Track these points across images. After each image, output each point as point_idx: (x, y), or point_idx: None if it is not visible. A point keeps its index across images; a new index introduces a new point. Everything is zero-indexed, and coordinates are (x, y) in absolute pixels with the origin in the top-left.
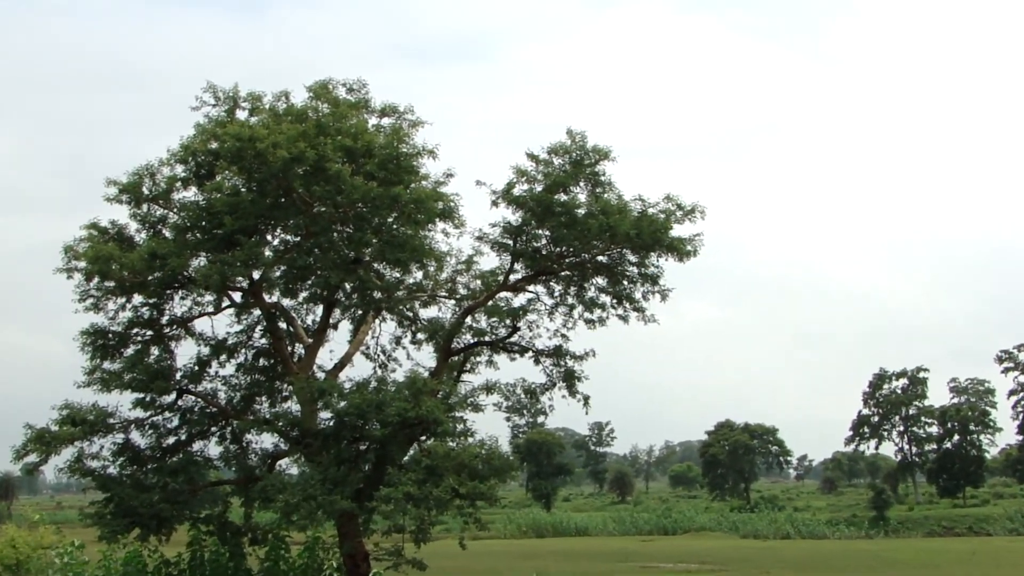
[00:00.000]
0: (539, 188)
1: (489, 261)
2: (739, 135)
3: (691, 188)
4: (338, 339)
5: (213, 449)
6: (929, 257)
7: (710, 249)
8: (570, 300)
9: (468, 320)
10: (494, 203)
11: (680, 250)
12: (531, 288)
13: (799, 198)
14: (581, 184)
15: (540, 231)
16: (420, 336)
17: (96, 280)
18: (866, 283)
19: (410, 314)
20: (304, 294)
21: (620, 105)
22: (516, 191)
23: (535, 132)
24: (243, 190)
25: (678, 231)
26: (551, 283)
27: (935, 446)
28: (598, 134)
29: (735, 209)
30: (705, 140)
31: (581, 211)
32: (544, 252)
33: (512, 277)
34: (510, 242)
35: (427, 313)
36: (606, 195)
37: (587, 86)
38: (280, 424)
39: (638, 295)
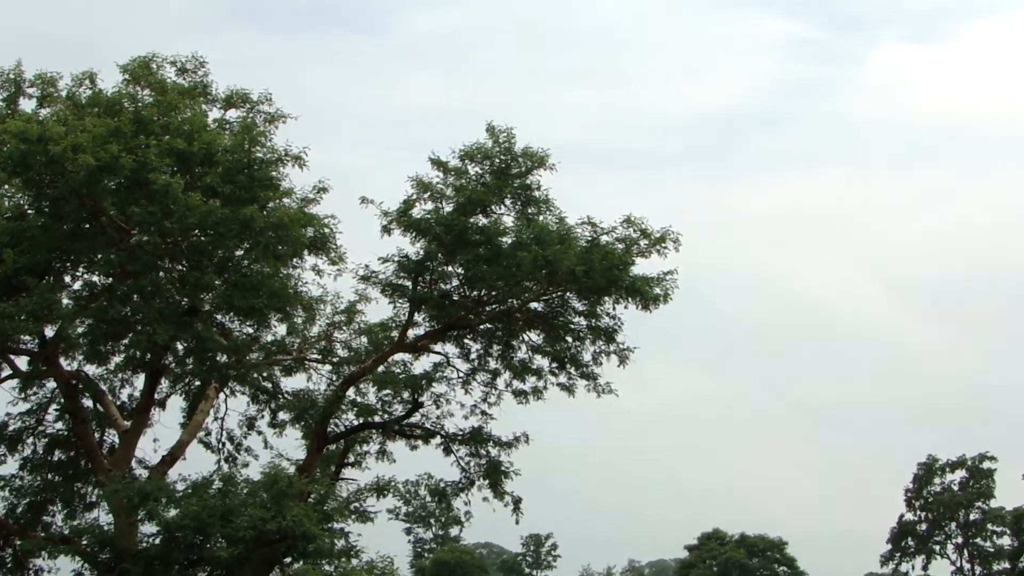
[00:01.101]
0: (448, 208)
1: (379, 310)
2: (727, 133)
3: (660, 207)
4: (167, 421)
5: None
6: (992, 300)
7: (688, 292)
8: (493, 364)
9: (350, 393)
10: (386, 229)
11: (646, 294)
12: (438, 348)
13: (804, 216)
14: (507, 202)
15: (450, 268)
16: (283, 416)
17: None
18: (905, 336)
19: (268, 385)
20: (118, 358)
21: (563, 92)
22: (416, 212)
23: (444, 130)
24: (30, 212)
25: (642, 267)
26: (466, 340)
27: (1007, 564)
28: (531, 132)
29: (718, 236)
30: (682, 140)
31: (507, 240)
32: (456, 297)
33: (412, 332)
34: (408, 283)
35: (293, 383)
36: (542, 217)
37: (516, 65)
38: (84, 543)
39: (587, 356)
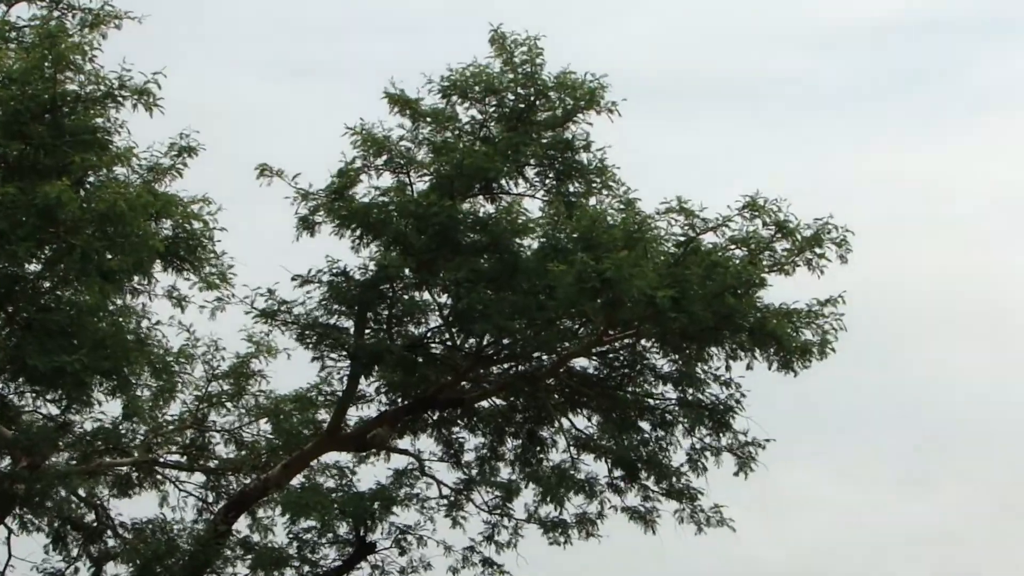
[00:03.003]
0: (422, 184)
1: (294, 372)
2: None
3: (805, 171)
4: None
5: None
6: None
7: (868, 336)
8: (504, 471)
9: (240, 526)
10: (306, 224)
11: (786, 342)
12: (404, 443)
13: None
14: (530, 173)
15: (426, 294)
16: (117, 572)
17: None
18: None
19: (88, 514)
20: None
21: None
22: (362, 193)
23: (414, 43)
24: None
25: (779, 290)
26: (455, 429)
27: None
28: (568, 49)
29: (918, 231)
30: (835, 55)
31: (530, 242)
32: (436, 349)
33: (355, 414)
34: (348, 323)
35: (134, 509)
36: (593, 200)
37: None
38: None
39: (678, 457)
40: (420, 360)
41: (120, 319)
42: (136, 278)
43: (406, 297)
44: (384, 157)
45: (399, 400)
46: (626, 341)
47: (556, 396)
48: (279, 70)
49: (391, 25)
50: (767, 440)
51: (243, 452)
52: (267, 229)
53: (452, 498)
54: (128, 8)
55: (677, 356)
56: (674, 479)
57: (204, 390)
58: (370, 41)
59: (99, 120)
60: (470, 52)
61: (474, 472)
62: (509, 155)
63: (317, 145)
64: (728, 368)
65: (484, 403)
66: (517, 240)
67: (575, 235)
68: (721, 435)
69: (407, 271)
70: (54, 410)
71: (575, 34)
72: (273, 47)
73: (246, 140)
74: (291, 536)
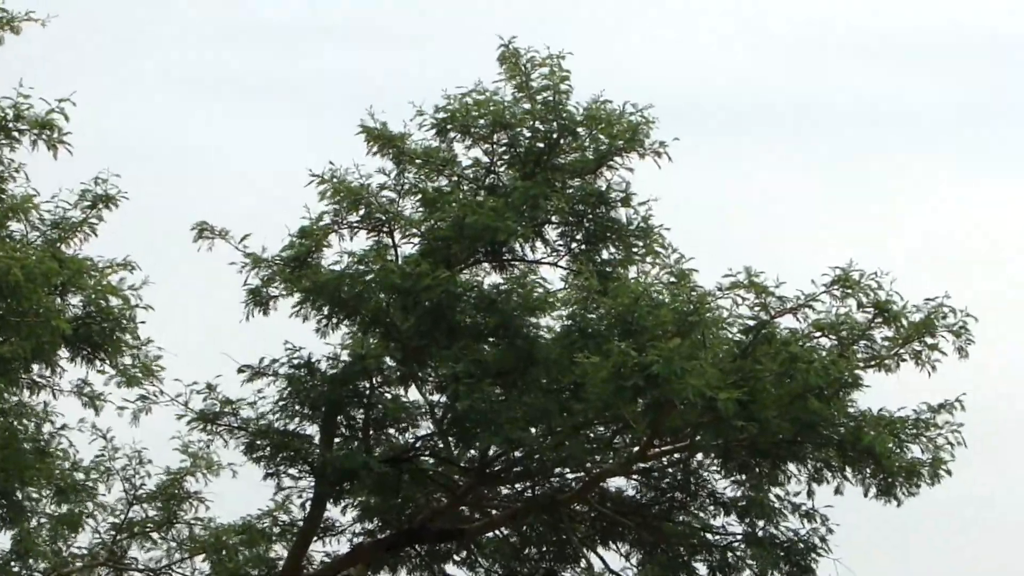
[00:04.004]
0: (411, 247)
1: (241, 491)
2: None
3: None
4: None
5: None
6: None
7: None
8: None
9: None
10: (256, 299)
11: (908, 469)
12: None
13: None
14: (553, 233)
15: (412, 391)
16: None
17: None
18: None
19: None
20: None
21: None
22: (329, 259)
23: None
24: None
25: (905, 397)
26: (453, 563)
27: None
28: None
29: None
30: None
31: (551, 322)
32: (430, 460)
33: (321, 548)
34: (312, 429)
35: None
36: (634, 270)
37: None
38: None
39: None
40: (406, 478)
41: (14, 422)
42: (36, 368)
43: (388, 396)
44: (361, 212)
45: (378, 530)
46: (677, 456)
47: (584, 526)
48: (222, 89)
49: (370, 34)
50: None
51: None
52: (207, 306)
53: None
54: (36, 9)
55: (743, 477)
56: None
57: (123, 516)
58: (342, 54)
59: None
60: (472, 73)
61: None
62: (524, 210)
63: (272, 194)
64: (811, 494)
65: (489, 534)
66: (534, 322)
67: (611, 316)
68: None
69: (390, 362)
70: None
71: (585, 48)
72: (212, 59)
73: (178, 186)
74: None
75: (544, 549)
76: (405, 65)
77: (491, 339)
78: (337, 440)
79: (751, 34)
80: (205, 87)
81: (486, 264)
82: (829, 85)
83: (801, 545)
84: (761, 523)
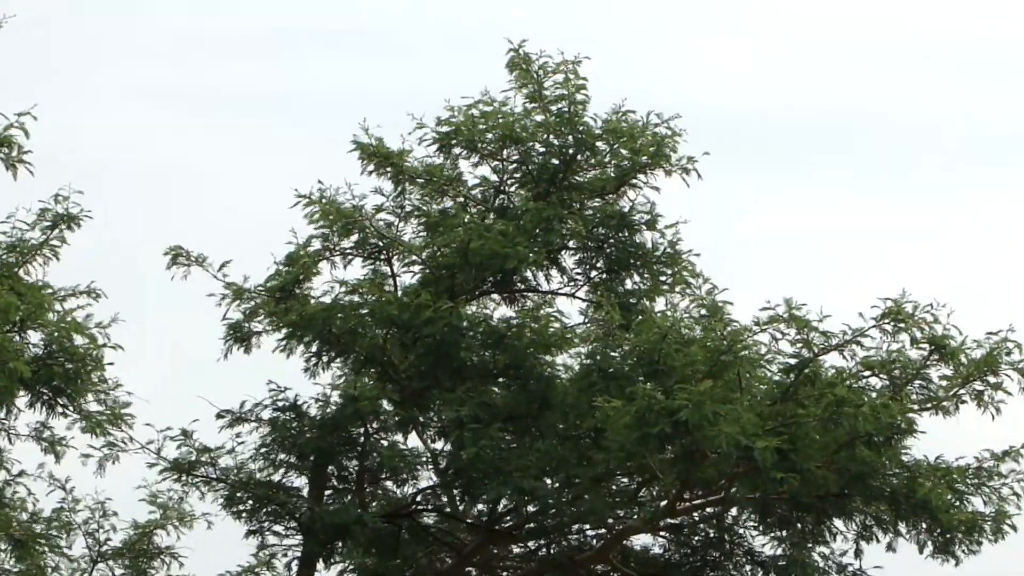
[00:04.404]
0: (411, 276)
1: (218, 550)
2: None
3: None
4: None
5: None
6: None
7: None
8: None
9: None
10: (236, 336)
11: (969, 524)
12: None
13: None
14: (570, 260)
15: (419, 435)
16: None
17: None
18: None
19: None
20: None
21: None
22: (321, 285)
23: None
24: None
25: (965, 443)
26: None
27: None
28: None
29: None
30: None
31: (569, 364)
32: (437, 514)
33: None
34: (300, 480)
35: None
36: (661, 303)
37: None
38: None
39: None
40: (405, 535)
41: None
42: None
43: (385, 443)
44: (354, 236)
45: None
46: (709, 511)
47: None
48: (199, 104)
49: (360, 41)
50: None
51: None
52: (181, 343)
53: None
54: None
55: (783, 533)
56: None
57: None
58: (329, 63)
59: None
60: (478, 81)
61: None
62: (537, 234)
63: (255, 218)
64: (859, 553)
65: None
66: (549, 360)
67: (635, 354)
68: None
69: (387, 405)
70: None
71: (602, 53)
72: (185, 66)
73: (150, 208)
74: None
75: None
76: (401, 74)
77: (501, 379)
78: (327, 493)
79: (785, 42)
80: (180, 101)
81: (495, 295)
82: (873, 98)
83: None
84: None
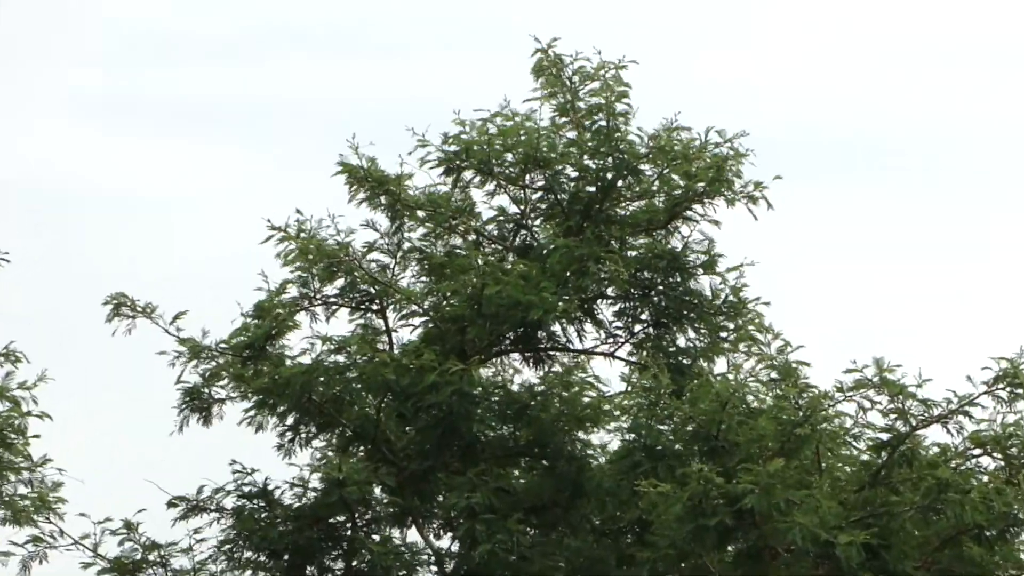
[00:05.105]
0: (408, 333)
1: None
2: None
3: None
4: None
5: None
6: None
7: None
8: None
9: None
10: (193, 404)
11: None
12: None
13: None
14: (608, 311)
15: (419, 529)
16: None
17: None
18: None
19: None
20: None
21: None
22: (298, 342)
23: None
24: None
25: None
26: None
27: None
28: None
29: None
30: None
31: (612, 440)
32: None
33: None
34: None
35: None
36: (734, 361)
37: None
38: None
39: None
40: None
41: None
42: None
43: (376, 538)
44: (340, 282)
45: None
46: None
47: None
48: (138, 110)
49: (348, 43)
50: None
51: None
52: (125, 412)
53: None
54: None
55: None
56: None
57: None
58: (311, 63)
59: None
60: (496, 89)
61: None
62: (568, 279)
63: (217, 256)
64: None
65: None
66: (582, 437)
67: (689, 428)
68: None
69: (379, 491)
70: None
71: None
72: (126, 68)
73: (85, 243)
74: None
75: None
76: (398, 79)
77: (522, 460)
78: None
79: (862, 46)
80: (120, 112)
81: (515, 355)
82: (966, 110)
83: None
84: None
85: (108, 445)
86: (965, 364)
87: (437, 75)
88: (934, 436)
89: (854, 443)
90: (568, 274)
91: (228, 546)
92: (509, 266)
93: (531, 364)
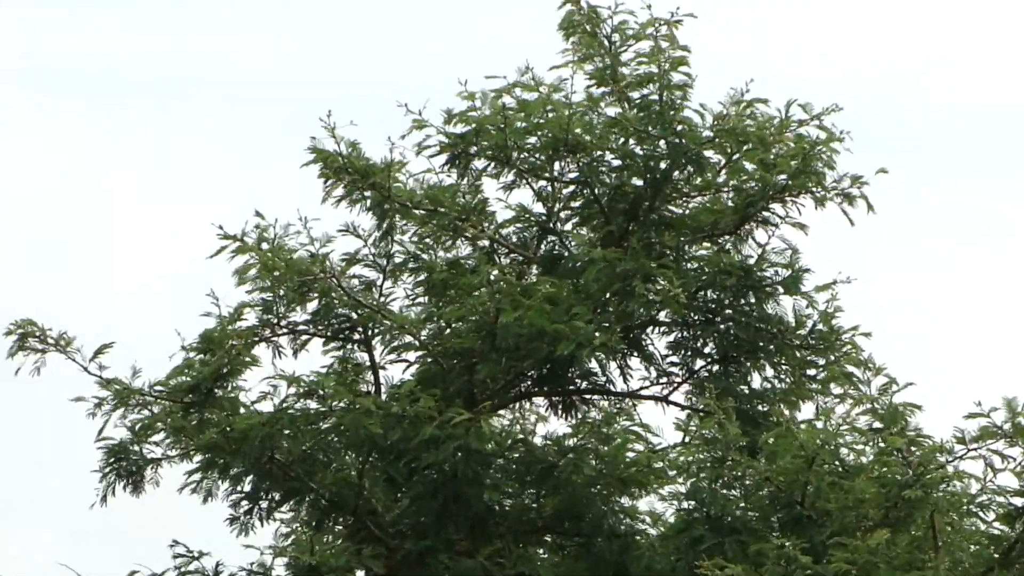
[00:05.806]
0: (401, 371)
1: None
2: None
3: None
4: None
5: None
6: None
7: None
8: None
9: None
10: (121, 471)
11: None
12: None
13: None
14: (661, 343)
15: None
16: None
17: None
18: None
19: None
20: None
21: None
22: (257, 383)
23: None
24: None
25: None
26: None
27: None
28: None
29: None
30: None
31: (666, 509)
32: None
33: None
34: None
35: None
36: (825, 407)
37: None
38: None
39: None
40: None
41: None
42: None
43: None
44: (312, 305)
45: None
46: None
47: None
48: (46, 80)
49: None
50: None
51: None
52: (34, 475)
53: None
54: None
55: None
56: None
57: None
58: (267, 22)
59: None
60: (514, 52)
61: None
62: (609, 301)
63: (151, 273)
64: None
65: None
66: (625, 503)
67: (765, 492)
68: None
69: None
70: None
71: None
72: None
73: None
74: None
75: None
76: (384, 41)
77: (548, 536)
78: None
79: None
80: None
81: (538, 400)
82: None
83: None
84: None
85: (18, 519)
86: None
87: (437, 33)
88: None
89: (980, 511)
90: (608, 295)
91: None
92: (532, 284)
93: (559, 412)
